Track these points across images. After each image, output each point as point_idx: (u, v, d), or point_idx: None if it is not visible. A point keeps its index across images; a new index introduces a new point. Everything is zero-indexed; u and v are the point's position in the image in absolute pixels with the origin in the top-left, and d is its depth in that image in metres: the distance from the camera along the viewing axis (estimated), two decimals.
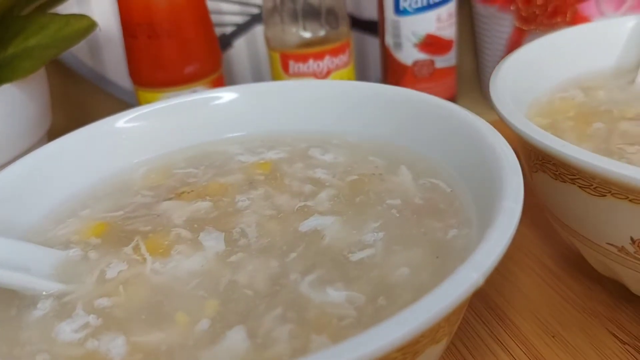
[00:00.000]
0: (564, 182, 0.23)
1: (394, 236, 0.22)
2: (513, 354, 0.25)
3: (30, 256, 0.23)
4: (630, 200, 0.20)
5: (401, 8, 0.41)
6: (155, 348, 0.19)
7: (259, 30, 0.50)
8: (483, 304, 0.28)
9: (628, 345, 0.25)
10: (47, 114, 0.38)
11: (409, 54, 0.43)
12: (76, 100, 0.50)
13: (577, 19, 0.42)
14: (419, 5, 0.41)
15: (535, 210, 0.31)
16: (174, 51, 0.38)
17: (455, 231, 0.22)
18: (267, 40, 0.41)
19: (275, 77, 0.42)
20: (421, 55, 0.43)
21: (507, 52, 0.46)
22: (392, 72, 0.45)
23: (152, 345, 0.19)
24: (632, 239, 0.21)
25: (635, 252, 0.22)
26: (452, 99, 0.46)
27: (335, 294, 0.20)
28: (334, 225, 0.23)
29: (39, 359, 0.19)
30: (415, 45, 0.42)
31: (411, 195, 0.24)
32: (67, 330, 0.20)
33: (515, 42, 0.44)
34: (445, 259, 0.20)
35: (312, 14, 0.40)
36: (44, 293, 0.22)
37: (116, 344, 0.19)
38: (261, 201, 0.25)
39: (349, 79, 0.42)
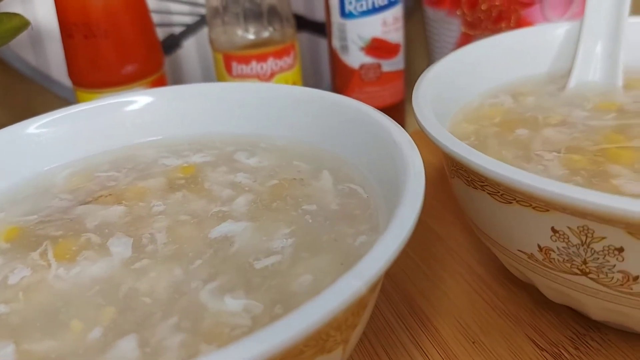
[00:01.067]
0: (476, 188, 0.22)
1: (304, 243, 0.22)
2: (431, 359, 0.25)
3: None
4: (533, 208, 0.20)
5: (347, 11, 0.41)
6: (45, 356, 0.18)
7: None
8: (408, 309, 0.28)
9: (545, 351, 0.25)
10: None
11: (355, 57, 0.43)
12: (21, 100, 0.49)
13: (521, 24, 0.42)
14: (364, 8, 0.41)
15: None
16: (111, 51, 0.37)
17: (364, 237, 0.22)
18: (211, 41, 0.41)
19: (219, 78, 0.42)
20: (368, 59, 0.43)
21: None
22: (339, 75, 0.45)
23: (41, 353, 0.18)
24: (539, 246, 0.21)
25: (543, 260, 0.22)
26: (400, 102, 0.46)
27: (233, 303, 0.19)
28: (246, 232, 0.23)
29: None
30: (362, 48, 0.42)
31: (328, 200, 0.24)
32: None
33: (463, 44, 0.44)
34: (349, 266, 0.20)
35: (255, 15, 0.39)
36: None
37: (5, 353, 0.19)
38: (177, 206, 0.25)
39: (294, 81, 0.42)
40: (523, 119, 0.28)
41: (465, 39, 0.44)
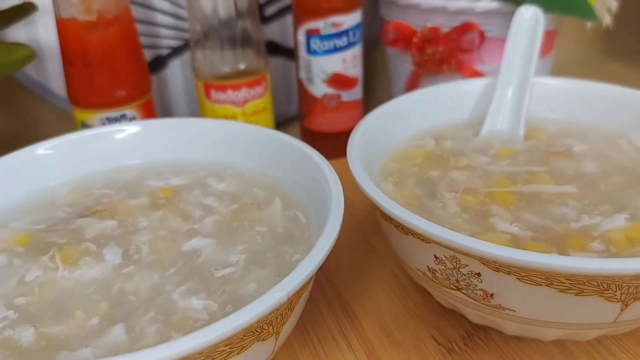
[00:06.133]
0: (387, 220, 0.29)
1: (253, 258, 0.28)
2: (353, 348, 0.32)
3: None
4: (421, 240, 0.27)
5: (312, 49, 0.48)
6: (56, 337, 0.25)
7: None
8: (340, 308, 0.35)
9: (442, 346, 0.32)
10: None
11: (319, 88, 0.49)
12: (21, 109, 0.55)
13: (460, 67, 0.49)
14: (327, 48, 0.48)
15: None
16: (106, 78, 0.43)
17: (299, 256, 0.28)
18: (193, 70, 0.47)
19: (199, 102, 0.48)
20: (329, 90, 0.49)
21: (406, 88, 0.53)
22: (305, 101, 0.51)
23: (54, 335, 0.25)
24: (428, 267, 0.28)
25: (432, 277, 0.29)
26: None
27: (197, 302, 0.26)
28: (210, 247, 0.29)
29: None
30: (324, 81, 0.49)
31: (276, 223, 0.31)
32: None
33: (412, 81, 0.51)
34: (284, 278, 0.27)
35: (232, 49, 0.46)
36: None
37: (27, 334, 0.25)
38: (158, 222, 0.31)
39: (265, 107, 0.48)
40: (439, 160, 0.35)
41: (415, 76, 0.51)
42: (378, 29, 0.61)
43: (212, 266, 0.28)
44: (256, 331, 0.24)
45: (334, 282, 0.37)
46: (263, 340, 0.24)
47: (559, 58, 0.58)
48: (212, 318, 0.25)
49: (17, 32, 0.49)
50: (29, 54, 0.41)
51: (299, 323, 0.34)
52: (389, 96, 0.61)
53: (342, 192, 0.28)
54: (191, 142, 0.37)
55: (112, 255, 0.29)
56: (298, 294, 0.26)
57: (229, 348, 0.23)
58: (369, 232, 0.41)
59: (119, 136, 0.36)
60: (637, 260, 0.23)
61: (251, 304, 0.22)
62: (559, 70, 0.63)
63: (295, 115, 0.61)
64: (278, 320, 0.25)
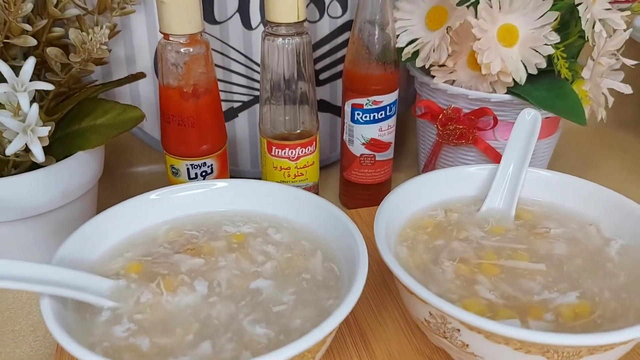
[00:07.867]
0: (397, 279, 0.40)
1: (300, 299, 0.40)
2: None
3: (98, 284, 0.40)
4: (421, 300, 0.38)
5: (355, 119, 0.59)
6: (164, 346, 0.37)
7: (257, 106, 0.67)
8: (359, 337, 0.46)
9: None
10: (100, 168, 0.56)
11: (358, 149, 0.60)
12: (117, 141, 0.68)
13: (477, 142, 0.59)
14: (368, 119, 0.58)
15: None
16: (195, 135, 0.55)
17: (332, 301, 0.39)
18: (259, 128, 0.59)
19: (262, 153, 0.60)
20: (366, 151, 0.60)
21: (431, 153, 0.63)
22: (346, 158, 0.62)
23: (162, 344, 0.37)
24: (425, 319, 0.39)
25: (427, 326, 0.39)
26: (388, 180, 0.64)
27: (260, 330, 0.37)
28: (269, 287, 0.41)
29: (103, 345, 0.37)
30: (363, 144, 0.60)
31: (317, 273, 0.42)
32: (118, 331, 0.37)
33: (437, 148, 0.62)
34: (322, 318, 0.38)
35: (292, 112, 0.57)
36: (105, 307, 0.39)
37: (144, 342, 0.37)
38: (232, 263, 0.43)
39: (313, 161, 0.59)
40: (444, 230, 0.46)
41: (438, 144, 0.61)
42: (412, 93, 0.72)
43: (271, 302, 0.39)
44: (300, 356, 0.35)
45: (356, 315, 0.48)
46: None
47: (568, 127, 0.66)
48: (270, 343, 0.36)
49: (123, 89, 0.62)
50: (140, 115, 0.53)
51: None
52: (415, 152, 0.72)
53: (367, 255, 0.39)
54: (259, 199, 0.48)
55: (201, 287, 0.41)
56: (331, 333, 0.37)
57: None
58: (386, 276, 0.52)
59: (210, 189, 0.48)
60: (564, 335, 0.33)
61: (300, 339, 0.33)
62: (568, 137, 0.73)
63: (336, 160, 0.72)
64: (315, 349, 0.36)
